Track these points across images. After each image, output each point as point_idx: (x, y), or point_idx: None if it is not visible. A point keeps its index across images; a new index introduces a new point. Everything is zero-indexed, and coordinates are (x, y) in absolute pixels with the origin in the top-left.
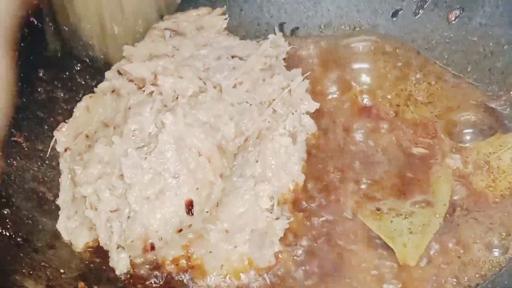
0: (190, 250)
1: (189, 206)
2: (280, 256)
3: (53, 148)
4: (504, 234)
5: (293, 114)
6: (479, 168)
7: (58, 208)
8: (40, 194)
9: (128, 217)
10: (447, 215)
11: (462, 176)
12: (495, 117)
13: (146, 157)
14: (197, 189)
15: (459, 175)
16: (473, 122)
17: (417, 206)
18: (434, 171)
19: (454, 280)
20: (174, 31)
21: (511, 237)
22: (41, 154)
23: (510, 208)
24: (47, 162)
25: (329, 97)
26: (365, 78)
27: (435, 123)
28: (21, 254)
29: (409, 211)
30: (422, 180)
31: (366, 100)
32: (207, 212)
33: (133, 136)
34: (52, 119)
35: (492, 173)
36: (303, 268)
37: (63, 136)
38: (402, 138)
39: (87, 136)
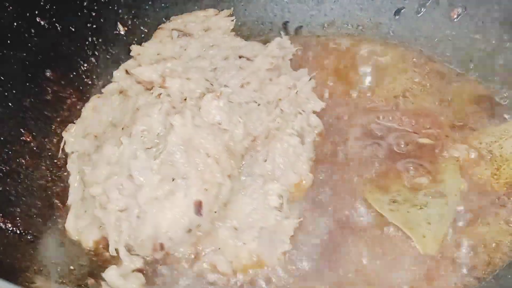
0: (199, 247)
1: (198, 207)
2: (290, 254)
3: (63, 149)
4: None
5: (301, 114)
6: (482, 157)
7: (67, 206)
8: (49, 193)
9: (138, 217)
10: (460, 204)
11: (468, 165)
12: (496, 109)
13: (155, 159)
14: (206, 189)
15: (464, 164)
16: (474, 114)
17: (430, 197)
18: (440, 162)
19: (469, 270)
20: (181, 31)
21: None
22: (50, 153)
23: None
24: (55, 161)
25: (333, 94)
26: (367, 75)
27: (436, 114)
28: (32, 252)
29: (424, 201)
30: (431, 170)
31: (368, 95)
32: (215, 212)
33: (141, 137)
34: (59, 119)
35: (496, 161)
36: (313, 266)
37: (72, 136)
38: (406, 129)
39: (96, 136)
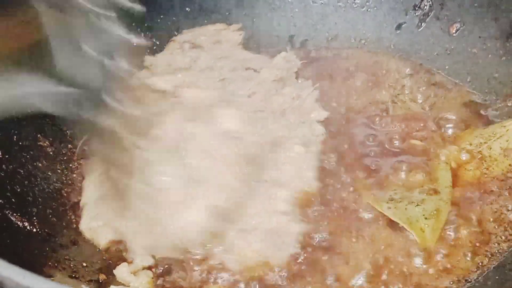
0: (207, 247)
1: (213, 210)
2: (295, 256)
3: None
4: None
5: (304, 123)
6: (473, 157)
7: (81, 207)
8: (64, 194)
9: (154, 218)
10: (453, 200)
11: (458, 165)
12: (486, 115)
13: (171, 164)
14: (220, 194)
15: (455, 164)
16: (464, 116)
17: (425, 194)
18: (433, 161)
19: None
20: (192, 43)
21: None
22: (65, 158)
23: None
24: (70, 165)
25: (335, 104)
26: (366, 85)
27: (424, 116)
28: (47, 248)
29: (420, 198)
30: (425, 169)
31: (367, 103)
32: (228, 215)
33: (157, 143)
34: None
35: (485, 161)
36: (319, 268)
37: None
38: (399, 132)
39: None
